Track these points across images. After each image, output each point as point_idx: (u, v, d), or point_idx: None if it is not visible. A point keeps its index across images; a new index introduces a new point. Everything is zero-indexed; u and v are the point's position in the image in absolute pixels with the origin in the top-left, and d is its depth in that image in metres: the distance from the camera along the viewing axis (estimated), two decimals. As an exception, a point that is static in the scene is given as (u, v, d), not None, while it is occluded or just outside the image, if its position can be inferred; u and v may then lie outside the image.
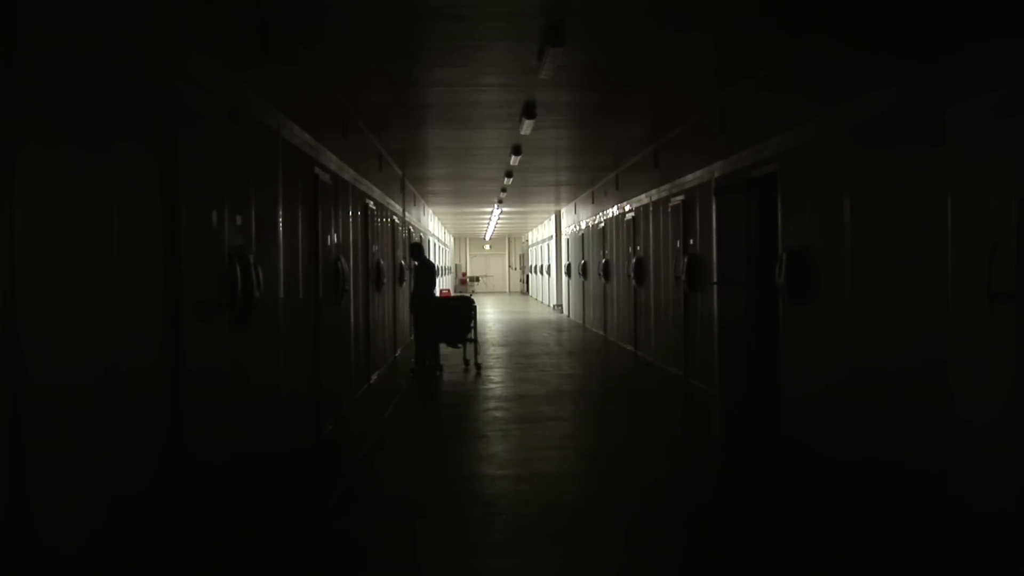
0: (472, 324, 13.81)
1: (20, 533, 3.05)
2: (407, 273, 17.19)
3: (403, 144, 14.01)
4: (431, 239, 27.42)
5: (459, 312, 13.75)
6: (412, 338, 14.00)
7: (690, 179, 11.92)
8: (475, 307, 14.02)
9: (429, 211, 27.17)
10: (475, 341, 13.91)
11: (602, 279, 19.68)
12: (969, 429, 5.22)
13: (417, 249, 14.67)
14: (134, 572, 4.02)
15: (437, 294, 14.52)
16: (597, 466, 7.66)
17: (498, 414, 9.95)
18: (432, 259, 21.55)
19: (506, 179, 18.84)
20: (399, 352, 15.92)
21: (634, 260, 15.57)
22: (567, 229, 27.87)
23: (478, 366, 13.89)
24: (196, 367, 4.81)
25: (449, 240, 43.74)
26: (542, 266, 37.43)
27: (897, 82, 6.12)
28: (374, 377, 12.34)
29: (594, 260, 21.24)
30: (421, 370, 13.24)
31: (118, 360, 3.89)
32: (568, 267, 27.42)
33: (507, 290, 55.18)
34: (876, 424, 6.42)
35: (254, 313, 5.73)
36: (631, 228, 16.25)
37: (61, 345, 3.38)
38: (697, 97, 10.32)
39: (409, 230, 18.66)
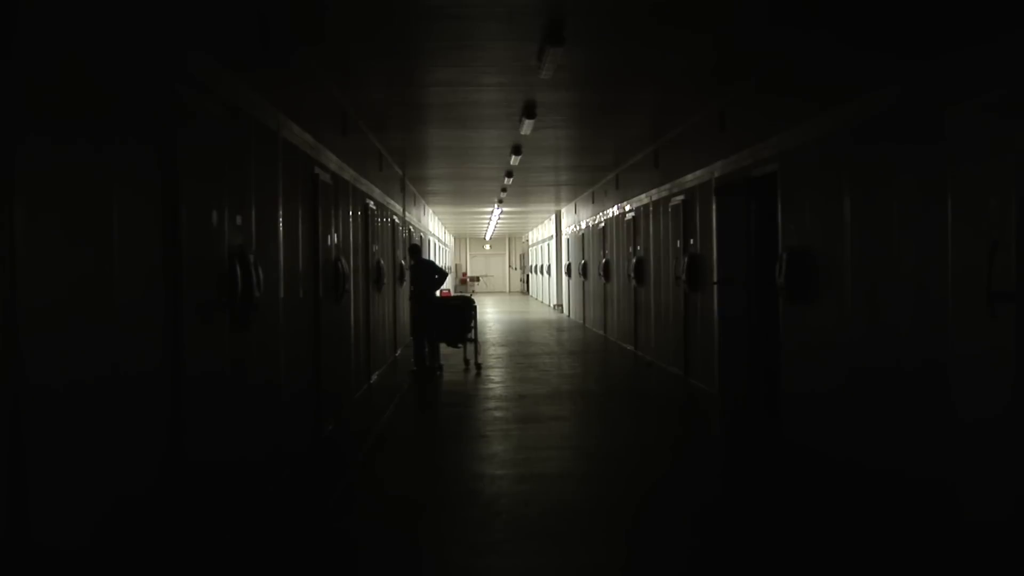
0: (472, 324, 13.85)
1: (19, 534, 3.05)
2: (407, 273, 17.26)
3: (403, 144, 14.01)
4: (431, 239, 27.41)
5: (459, 312, 13.78)
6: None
7: (690, 179, 11.92)
8: (475, 307, 14.08)
9: (429, 211, 27.17)
10: (475, 341, 13.94)
11: (602, 279, 19.68)
12: (969, 429, 5.22)
13: (415, 250, 14.98)
14: (136, 571, 4.02)
15: (438, 294, 14.55)
16: (597, 466, 7.66)
17: (498, 414, 9.95)
18: (430, 258, 21.64)
19: (506, 179, 18.83)
20: (399, 352, 15.92)
21: (634, 260, 15.57)
22: (567, 229, 27.87)
23: (478, 366, 13.91)
24: (196, 367, 4.81)
25: (449, 240, 43.73)
26: (542, 266, 37.42)
27: (897, 81, 6.11)
28: (374, 377, 12.34)
29: (594, 260, 21.24)
30: (421, 370, 13.27)
31: (118, 360, 3.88)
32: (568, 267, 27.42)
33: (507, 290, 55.17)
34: (876, 424, 6.42)
35: (254, 313, 5.73)
36: (631, 228, 16.25)
37: (61, 345, 3.38)
38: (697, 97, 10.32)
39: (409, 231, 18.66)
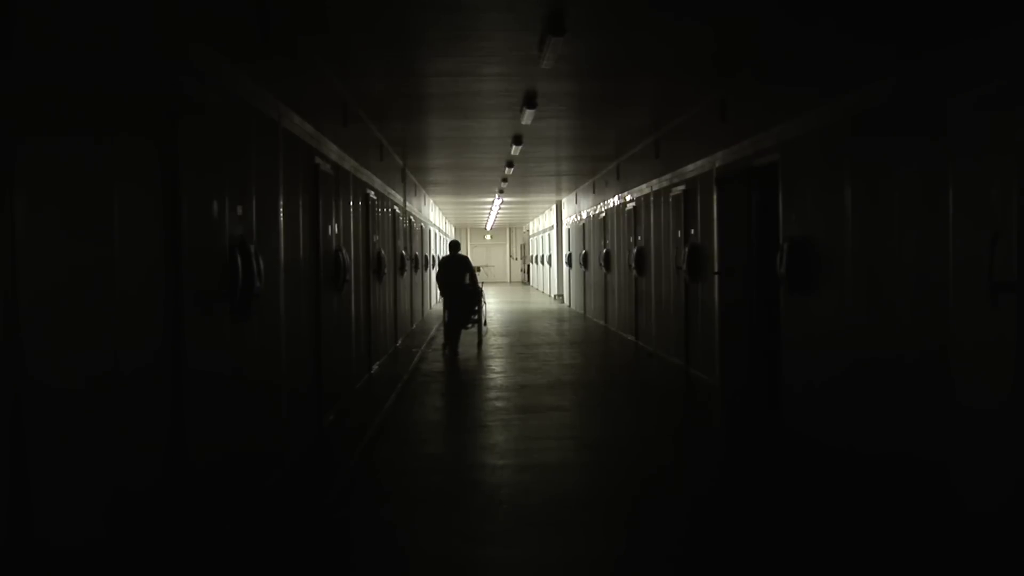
0: (476, 309, 15.64)
1: (21, 533, 3.05)
2: (407, 263, 17.47)
3: (404, 134, 13.99)
4: (432, 229, 27.40)
5: (463, 301, 15.48)
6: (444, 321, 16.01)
7: (691, 169, 11.90)
8: (480, 296, 15.90)
9: (430, 201, 27.15)
10: (478, 326, 15.68)
11: (603, 269, 19.67)
12: (970, 418, 5.22)
13: (454, 246, 16.35)
14: (140, 563, 4.03)
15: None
16: (598, 456, 7.67)
17: (499, 404, 9.96)
18: (427, 251, 22.00)
19: (507, 169, 18.81)
20: (400, 342, 15.94)
21: (635, 250, 15.56)
22: (568, 219, 27.85)
23: (479, 343, 15.20)
24: (197, 358, 4.81)
25: (450, 230, 43.72)
26: (543, 256, 37.41)
27: (898, 72, 6.10)
28: (375, 367, 12.35)
29: (595, 250, 21.23)
30: (452, 352, 14.92)
31: (120, 349, 3.88)
32: (569, 257, 27.41)
33: (508, 280, 55.18)
34: (877, 414, 6.43)
35: (255, 303, 5.73)
36: (632, 218, 16.24)
37: (62, 339, 3.38)
38: (698, 87, 10.30)
39: (409, 220, 18.66)
